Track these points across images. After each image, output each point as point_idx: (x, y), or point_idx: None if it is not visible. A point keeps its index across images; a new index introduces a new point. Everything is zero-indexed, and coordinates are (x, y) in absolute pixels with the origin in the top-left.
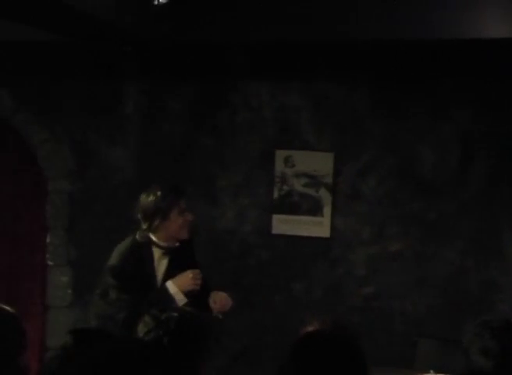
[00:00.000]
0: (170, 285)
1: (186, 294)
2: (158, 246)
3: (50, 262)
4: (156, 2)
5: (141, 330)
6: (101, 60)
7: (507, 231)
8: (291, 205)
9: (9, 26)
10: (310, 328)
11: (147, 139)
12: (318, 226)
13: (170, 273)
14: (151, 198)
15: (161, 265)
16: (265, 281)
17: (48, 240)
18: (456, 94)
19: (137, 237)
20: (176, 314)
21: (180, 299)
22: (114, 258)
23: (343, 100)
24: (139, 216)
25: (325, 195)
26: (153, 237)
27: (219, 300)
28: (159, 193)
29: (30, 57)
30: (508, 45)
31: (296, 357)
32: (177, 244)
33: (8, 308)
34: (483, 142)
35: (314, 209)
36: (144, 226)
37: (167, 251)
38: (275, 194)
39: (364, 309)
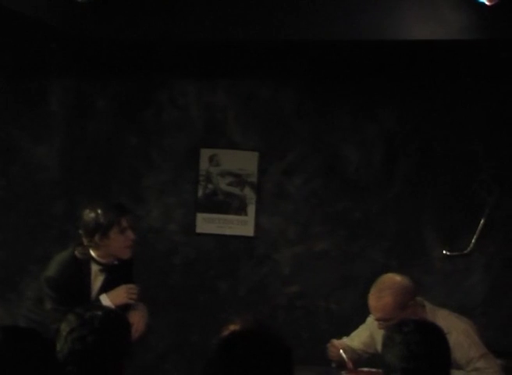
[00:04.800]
0: (104, 298)
1: (120, 307)
2: (96, 262)
3: None
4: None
5: (64, 328)
6: (25, 56)
7: (430, 231)
8: (216, 204)
9: None
10: (232, 327)
11: (72, 137)
12: (242, 225)
13: (105, 290)
14: (92, 214)
15: (97, 281)
16: (190, 280)
17: None
18: (381, 94)
19: (76, 252)
20: (100, 312)
21: None
22: (51, 268)
23: (268, 99)
24: (80, 231)
25: (249, 194)
26: (93, 253)
27: (137, 323)
28: (99, 210)
29: None
30: (429, 47)
31: (221, 355)
32: (116, 262)
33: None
34: (406, 142)
35: (239, 208)
36: (85, 243)
37: (104, 268)
38: (200, 193)
39: (289, 308)
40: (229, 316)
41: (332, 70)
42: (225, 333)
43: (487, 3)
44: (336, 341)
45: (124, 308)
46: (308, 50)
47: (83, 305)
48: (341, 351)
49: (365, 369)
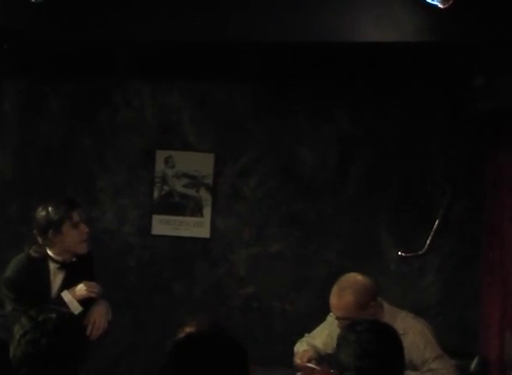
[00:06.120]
0: (65, 294)
1: (82, 302)
2: (53, 260)
3: None
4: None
5: (17, 331)
6: None
7: (385, 232)
8: (171, 206)
9: None
10: (187, 328)
11: (25, 138)
12: (198, 227)
13: (66, 288)
14: (43, 212)
15: (56, 279)
16: (146, 282)
17: None
18: (335, 96)
19: (31, 251)
20: (53, 315)
21: (75, 307)
22: (9, 270)
23: (224, 101)
24: (35, 231)
25: (205, 196)
26: (49, 251)
27: (98, 320)
28: (50, 207)
29: None
30: (384, 49)
31: (176, 357)
32: (74, 259)
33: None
34: (361, 144)
35: (195, 210)
36: (40, 241)
37: (62, 266)
38: (156, 195)
39: (245, 309)
40: (184, 317)
41: (287, 72)
42: (181, 334)
43: (440, 6)
44: (299, 356)
45: (86, 306)
46: (263, 51)
47: (37, 308)
48: (308, 364)
49: (333, 371)
